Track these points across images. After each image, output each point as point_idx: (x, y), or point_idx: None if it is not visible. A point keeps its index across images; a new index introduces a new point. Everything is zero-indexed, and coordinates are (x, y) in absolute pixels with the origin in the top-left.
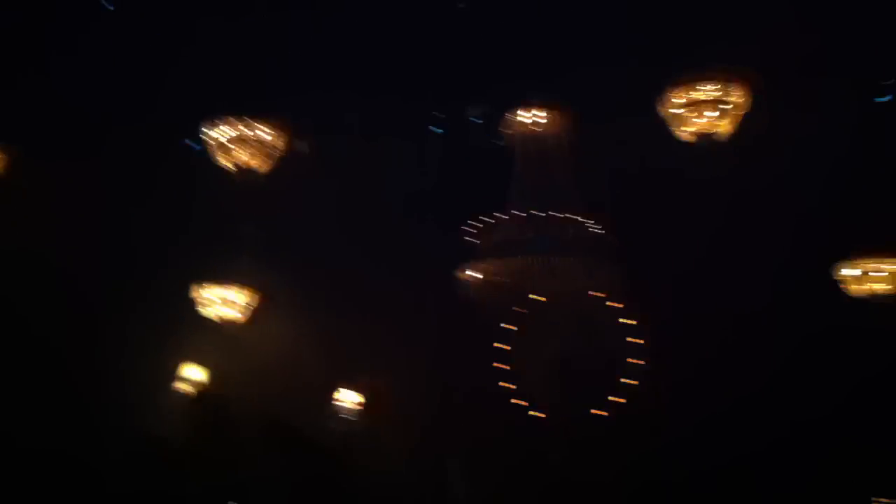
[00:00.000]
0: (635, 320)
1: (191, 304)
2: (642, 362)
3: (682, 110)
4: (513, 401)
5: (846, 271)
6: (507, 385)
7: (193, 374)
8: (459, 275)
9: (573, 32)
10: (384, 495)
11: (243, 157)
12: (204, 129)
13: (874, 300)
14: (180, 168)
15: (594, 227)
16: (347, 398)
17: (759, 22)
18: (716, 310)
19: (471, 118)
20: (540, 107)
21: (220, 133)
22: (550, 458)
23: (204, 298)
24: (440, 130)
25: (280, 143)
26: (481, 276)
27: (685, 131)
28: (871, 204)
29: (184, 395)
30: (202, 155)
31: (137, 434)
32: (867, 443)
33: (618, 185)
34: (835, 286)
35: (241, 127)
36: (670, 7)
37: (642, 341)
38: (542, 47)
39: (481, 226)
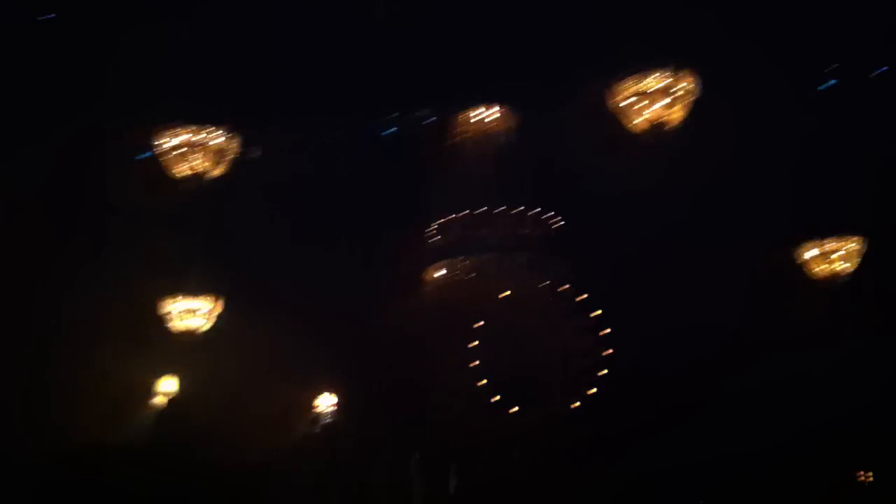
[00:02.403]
0: (592, 313)
1: (154, 316)
2: (602, 354)
3: (632, 100)
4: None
5: (807, 252)
6: (472, 382)
7: (167, 385)
8: (420, 275)
9: (520, 31)
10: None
11: (195, 162)
12: (153, 135)
13: (836, 280)
14: (131, 176)
15: (545, 223)
16: (324, 402)
17: (705, 11)
18: (673, 298)
19: (422, 119)
20: (489, 105)
21: (171, 138)
22: (514, 454)
23: (167, 309)
24: (393, 130)
25: (232, 147)
26: (439, 276)
27: (637, 121)
28: (826, 184)
29: (160, 407)
30: (151, 162)
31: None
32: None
33: (567, 180)
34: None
35: (191, 132)
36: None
37: (601, 333)
38: (491, 46)
39: (436, 226)
